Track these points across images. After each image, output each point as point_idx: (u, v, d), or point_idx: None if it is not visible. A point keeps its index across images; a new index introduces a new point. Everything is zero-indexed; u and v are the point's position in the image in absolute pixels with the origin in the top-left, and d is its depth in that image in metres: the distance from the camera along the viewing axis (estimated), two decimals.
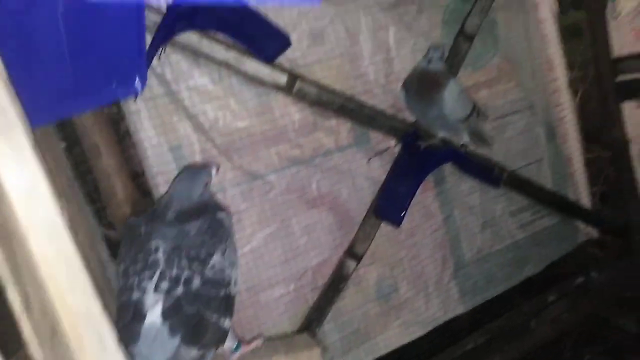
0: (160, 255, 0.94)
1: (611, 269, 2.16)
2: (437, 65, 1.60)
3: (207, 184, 1.12)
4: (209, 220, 1.00)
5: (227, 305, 1.00)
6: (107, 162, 1.38)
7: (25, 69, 0.67)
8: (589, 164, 2.20)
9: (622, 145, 2.05)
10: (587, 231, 2.27)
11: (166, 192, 1.13)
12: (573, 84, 2.11)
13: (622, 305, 2.11)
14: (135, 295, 0.93)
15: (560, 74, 2.10)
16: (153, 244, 0.95)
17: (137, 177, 1.47)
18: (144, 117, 1.50)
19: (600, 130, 2.17)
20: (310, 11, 1.66)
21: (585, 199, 2.25)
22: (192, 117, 1.56)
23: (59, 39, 0.80)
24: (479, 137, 1.75)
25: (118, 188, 1.36)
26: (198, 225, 0.99)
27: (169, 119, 1.53)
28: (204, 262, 0.96)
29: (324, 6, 1.68)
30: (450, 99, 1.57)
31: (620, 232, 2.17)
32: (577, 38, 2.15)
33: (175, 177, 1.18)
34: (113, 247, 1.46)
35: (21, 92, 0.54)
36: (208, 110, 1.58)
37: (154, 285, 0.93)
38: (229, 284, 1.00)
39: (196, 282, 0.95)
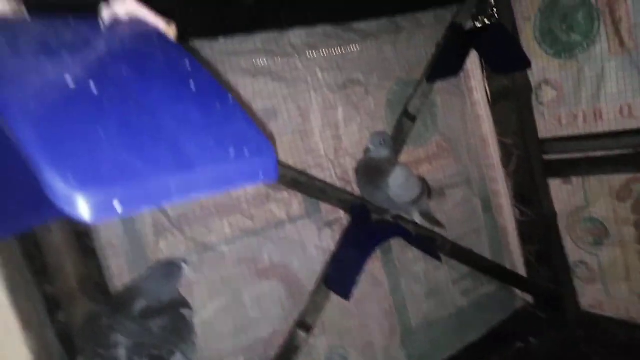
0: (122, 352, 0.94)
1: (548, 335, 2.28)
2: (381, 153, 1.68)
3: (178, 282, 1.13)
4: (173, 317, 1.00)
5: None
6: (56, 235, 1.36)
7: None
8: (522, 226, 2.35)
9: (550, 217, 2.24)
10: (524, 297, 2.41)
11: (133, 283, 1.13)
12: (505, 161, 2.31)
13: None
14: None
15: (493, 151, 2.30)
16: (114, 338, 0.95)
17: (87, 251, 1.45)
18: None
19: (530, 202, 2.36)
20: (264, 91, 1.77)
21: (520, 266, 2.40)
22: None
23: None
24: (430, 218, 1.86)
25: (67, 262, 1.34)
26: (163, 324, 0.99)
27: None
28: None
29: (278, 86, 1.80)
30: (395, 185, 1.66)
31: (553, 301, 2.31)
32: (507, 120, 2.37)
33: (147, 272, 1.17)
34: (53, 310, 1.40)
35: None
36: None
37: None
38: None
39: None
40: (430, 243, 2.00)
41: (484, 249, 2.30)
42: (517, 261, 2.39)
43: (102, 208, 0.47)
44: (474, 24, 2.18)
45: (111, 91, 0.56)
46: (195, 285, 1.65)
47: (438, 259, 1.96)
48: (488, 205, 2.34)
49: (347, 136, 1.95)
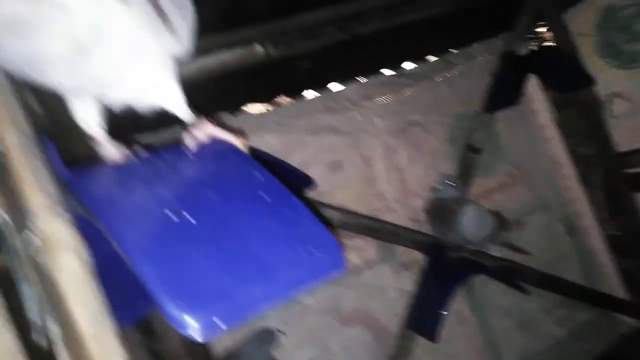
0: None
1: None
2: (450, 193, 1.70)
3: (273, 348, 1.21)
4: None
5: None
6: None
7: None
8: (615, 243, 2.21)
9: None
10: (627, 321, 2.24)
11: (234, 349, 1.22)
12: (584, 180, 2.22)
13: None
14: None
15: (568, 172, 2.22)
16: None
17: None
18: None
19: (619, 217, 2.23)
20: (328, 145, 1.86)
21: (617, 287, 2.25)
22: None
23: None
24: (512, 248, 1.83)
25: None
26: None
27: None
28: None
29: (340, 139, 1.88)
30: (468, 225, 1.66)
31: None
32: (581, 138, 2.29)
33: (247, 338, 1.27)
34: None
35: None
36: None
37: None
38: None
39: None
40: (513, 275, 1.94)
41: (574, 275, 2.19)
42: (612, 283, 2.24)
43: (209, 327, 0.57)
44: (528, 48, 2.17)
45: (205, 218, 0.66)
46: (282, 338, 1.72)
47: (523, 291, 1.90)
48: (572, 228, 2.24)
49: (412, 177, 1.98)
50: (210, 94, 1.63)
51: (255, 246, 0.66)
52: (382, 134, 1.95)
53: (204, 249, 0.64)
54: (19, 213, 0.71)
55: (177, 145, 0.81)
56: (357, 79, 1.95)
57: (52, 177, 0.72)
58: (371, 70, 2.01)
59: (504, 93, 2.05)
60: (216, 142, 0.82)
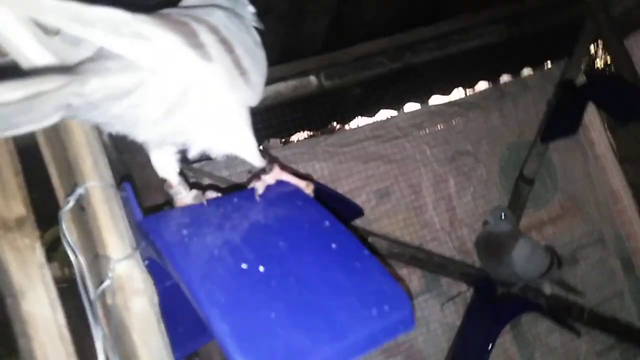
0: None
1: None
2: (502, 227, 1.65)
3: None
4: None
5: None
6: None
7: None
8: None
9: None
10: None
11: None
12: None
13: None
14: None
15: (627, 204, 2.12)
16: None
17: None
18: None
19: None
20: (376, 174, 1.86)
21: None
22: None
23: None
24: (563, 286, 1.76)
25: None
26: None
27: None
28: None
29: (389, 168, 1.88)
30: (520, 261, 1.61)
31: None
32: (638, 167, 2.19)
33: None
34: None
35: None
36: None
37: None
38: None
39: None
40: (564, 313, 1.87)
41: (630, 314, 2.08)
42: None
43: None
44: (587, 76, 2.09)
45: (275, 267, 0.66)
46: None
47: (574, 330, 1.82)
48: (629, 265, 2.13)
49: (461, 207, 1.94)
50: (262, 122, 1.67)
51: (326, 301, 0.64)
52: (432, 162, 1.93)
53: (275, 300, 0.62)
54: (95, 256, 0.75)
55: (245, 189, 0.82)
56: (407, 107, 1.95)
57: (129, 222, 0.76)
58: (421, 98, 2.00)
59: (561, 123, 1.98)
60: (283, 184, 0.82)
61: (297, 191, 0.82)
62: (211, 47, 0.65)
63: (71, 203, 0.73)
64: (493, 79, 2.07)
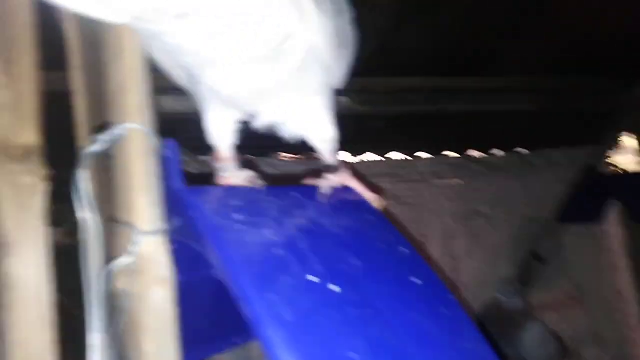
0: None
1: None
2: (514, 302, 1.55)
3: None
4: None
5: None
6: None
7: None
8: None
9: None
10: None
11: None
12: None
13: None
14: None
15: (632, 309, 2.01)
16: None
17: None
18: None
19: None
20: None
21: None
22: None
23: None
24: None
25: None
26: None
27: None
28: None
29: (400, 210, 1.76)
30: (531, 344, 1.48)
31: None
32: None
33: None
34: None
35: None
36: None
37: None
38: None
39: None
40: None
41: None
42: None
43: None
44: (612, 168, 2.04)
45: (351, 293, 0.52)
46: None
47: None
48: None
49: (467, 270, 1.82)
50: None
51: (413, 350, 0.50)
52: (445, 215, 1.82)
53: (355, 338, 0.48)
54: (111, 222, 0.58)
55: (306, 186, 0.70)
56: (430, 153, 1.86)
57: (163, 188, 0.58)
58: (446, 148, 1.92)
59: (581, 208, 1.91)
60: (349, 192, 0.71)
61: (365, 203, 0.70)
62: (312, 11, 0.61)
63: (102, 143, 0.54)
64: (521, 147, 2.01)
